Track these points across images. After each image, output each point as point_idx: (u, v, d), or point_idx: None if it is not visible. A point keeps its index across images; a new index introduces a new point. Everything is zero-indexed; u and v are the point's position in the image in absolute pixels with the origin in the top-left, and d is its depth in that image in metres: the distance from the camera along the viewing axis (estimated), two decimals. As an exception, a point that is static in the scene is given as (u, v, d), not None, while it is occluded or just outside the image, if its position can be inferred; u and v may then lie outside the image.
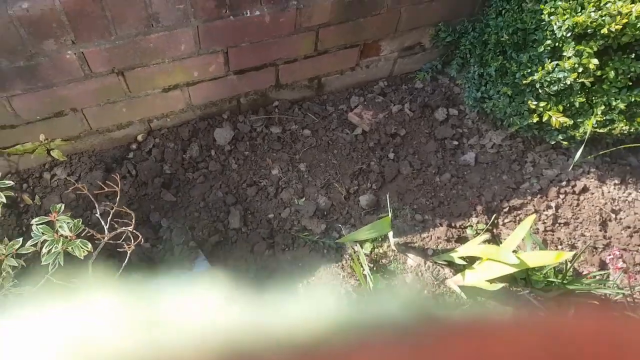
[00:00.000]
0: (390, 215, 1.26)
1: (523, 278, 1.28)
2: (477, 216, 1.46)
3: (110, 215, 1.11)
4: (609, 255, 1.25)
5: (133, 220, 1.07)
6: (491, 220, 1.44)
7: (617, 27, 1.23)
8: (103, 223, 1.11)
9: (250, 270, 1.37)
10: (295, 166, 1.59)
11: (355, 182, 1.56)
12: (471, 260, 1.28)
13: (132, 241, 1.08)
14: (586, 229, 1.44)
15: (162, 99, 1.47)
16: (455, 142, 1.65)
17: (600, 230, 1.44)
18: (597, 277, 1.33)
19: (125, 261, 1.11)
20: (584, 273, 1.36)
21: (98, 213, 1.14)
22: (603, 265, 1.38)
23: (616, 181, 1.52)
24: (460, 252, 1.26)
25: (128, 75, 1.36)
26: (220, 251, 1.39)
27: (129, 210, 1.08)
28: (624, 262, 1.36)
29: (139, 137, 1.57)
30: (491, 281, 1.13)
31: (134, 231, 1.08)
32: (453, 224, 1.45)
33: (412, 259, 1.38)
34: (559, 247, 1.39)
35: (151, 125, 1.56)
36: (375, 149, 1.64)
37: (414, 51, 1.79)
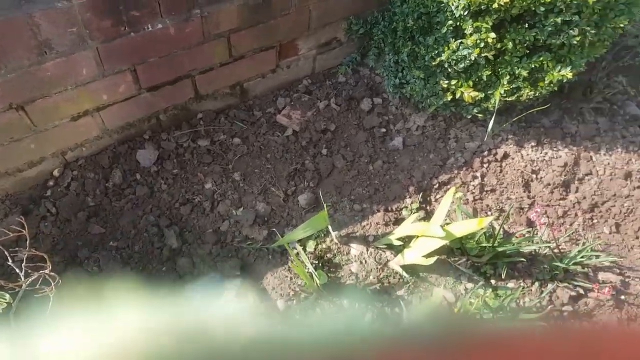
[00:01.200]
0: (325, 209, 1.26)
1: (459, 248, 1.34)
2: (410, 197, 1.51)
3: (24, 261, 1.03)
4: (533, 213, 1.33)
5: (48, 262, 1.00)
6: (419, 198, 1.49)
7: (505, 1, 1.32)
8: (18, 270, 1.04)
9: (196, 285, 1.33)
10: (229, 176, 1.56)
11: (292, 183, 1.56)
12: (409, 240, 1.31)
13: (52, 283, 1.01)
14: (511, 192, 1.53)
15: (72, 128, 1.39)
16: (383, 130, 1.69)
17: (524, 192, 1.53)
18: (526, 235, 1.41)
19: (49, 306, 1.04)
20: (514, 233, 1.44)
21: (10, 262, 1.06)
22: (530, 224, 1.47)
23: (533, 143, 1.63)
24: (396, 234, 1.29)
25: (29, 108, 1.26)
26: (159, 273, 1.33)
27: (41, 253, 1.01)
28: (547, 217, 1.46)
29: (55, 172, 1.47)
30: (427, 256, 1.17)
31: (52, 273, 1.02)
32: (389, 208, 1.49)
33: (355, 248, 1.40)
34: (489, 213, 1.47)
35: (66, 157, 1.47)
36: (308, 147, 1.65)
37: (332, 46, 1.81)
